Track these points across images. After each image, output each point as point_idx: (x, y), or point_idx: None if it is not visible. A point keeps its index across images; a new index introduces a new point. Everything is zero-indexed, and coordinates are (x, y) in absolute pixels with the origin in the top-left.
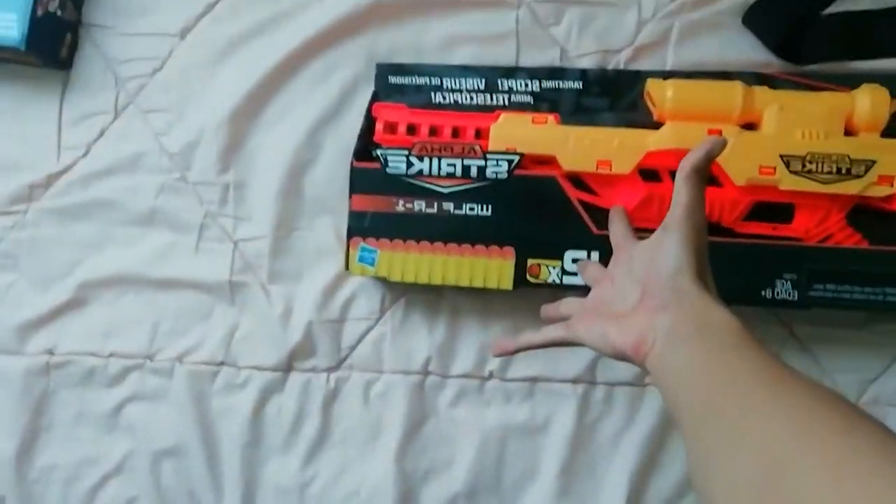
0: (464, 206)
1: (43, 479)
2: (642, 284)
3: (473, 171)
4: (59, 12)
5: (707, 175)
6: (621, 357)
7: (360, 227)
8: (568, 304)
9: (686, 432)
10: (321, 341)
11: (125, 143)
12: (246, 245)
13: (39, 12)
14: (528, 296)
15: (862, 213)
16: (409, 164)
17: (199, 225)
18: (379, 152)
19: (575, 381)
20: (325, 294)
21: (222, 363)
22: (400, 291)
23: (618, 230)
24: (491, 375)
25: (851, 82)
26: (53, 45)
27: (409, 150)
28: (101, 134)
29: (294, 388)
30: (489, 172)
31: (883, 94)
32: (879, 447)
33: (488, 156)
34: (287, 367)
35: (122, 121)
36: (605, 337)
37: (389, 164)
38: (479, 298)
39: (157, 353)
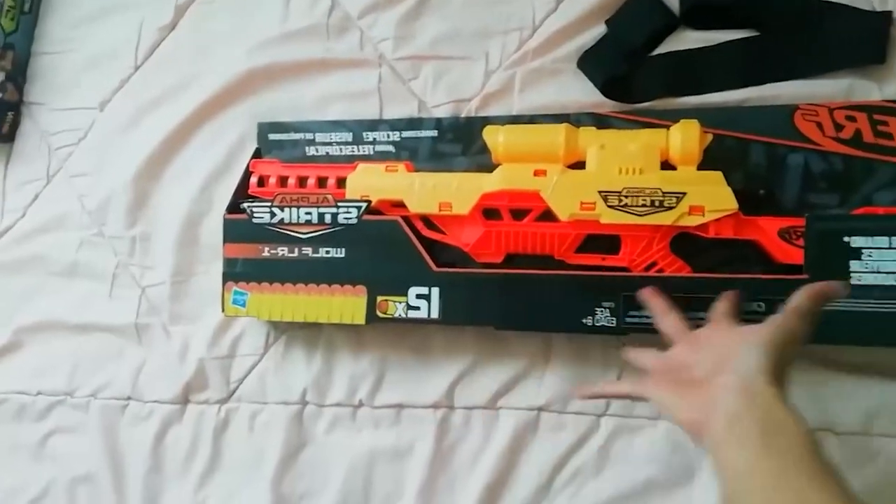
0: (320, 249)
1: None
2: (720, 362)
3: (328, 218)
4: (0, 95)
5: (821, 305)
6: (683, 428)
7: (233, 272)
8: (647, 357)
9: None
10: (213, 376)
11: (54, 204)
12: (151, 290)
13: None
14: (395, 330)
15: (685, 242)
16: (272, 214)
17: (112, 274)
18: (245, 205)
19: (435, 406)
20: (217, 333)
21: (130, 398)
22: (282, 329)
23: (721, 307)
24: (361, 403)
25: (675, 118)
26: None
27: (272, 201)
28: (36, 197)
29: (190, 420)
30: (341, 219)
31: (694, 128)
32: None
33: (339, 204)
34: (184, 399)
35: (53, 185)
36: (668, 403)
37: (255, 215)
38: (352, 333)
39: (76, 389)
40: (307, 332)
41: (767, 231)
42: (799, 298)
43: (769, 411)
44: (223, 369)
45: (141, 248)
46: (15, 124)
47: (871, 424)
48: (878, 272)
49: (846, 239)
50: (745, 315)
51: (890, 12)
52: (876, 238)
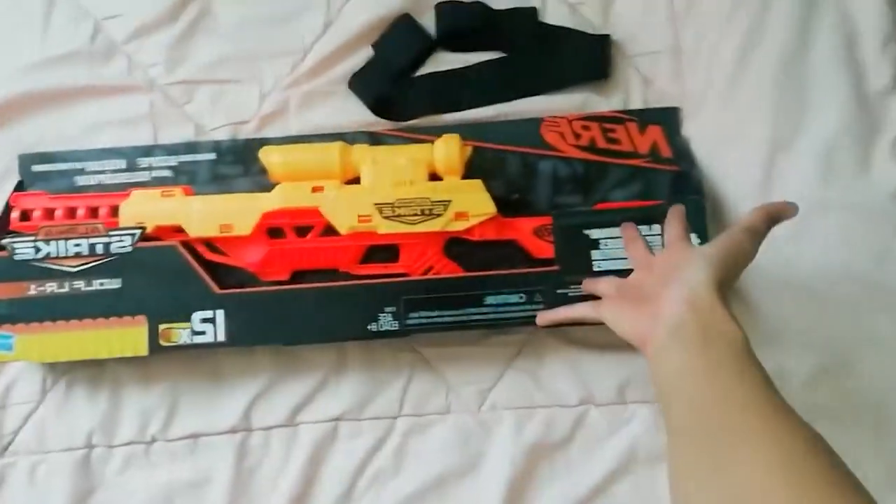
0: (93, 282)
1: None
2: (668, 279)
3: (99, 249)
4: None
5: (771, 224)
6: (631, 341)
7: None
8: (606, 284)
9: (672, 440)
10: None
11: None
12: None
13: None
14: (184, 358)
15: (456, 245)
16: (37, 250)
17: None
18: (5, 242)
19: (232, 430)
20: None
21: None
22: (62, 370)
23: (673, 229)
24: (154, 439)
25: (440, 133)
26: None
27: (35, 235)
28: None
29: None
30: (114, 248)
31: (455, 142)
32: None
33: (111, 232)
34: None
35: None
36: (619, 320)
37: (17, 252)
38: (138, 366)
39: None
40: (89, 371)
41: (524, 230)
42: (750, 217)
43: (710, 319)
44: None
45: None
46: None
47: (624, 394)
48: (614, 259)
49: (586, 232)
50: (510, 306)
51: (608, 35)
52: (610, 229)
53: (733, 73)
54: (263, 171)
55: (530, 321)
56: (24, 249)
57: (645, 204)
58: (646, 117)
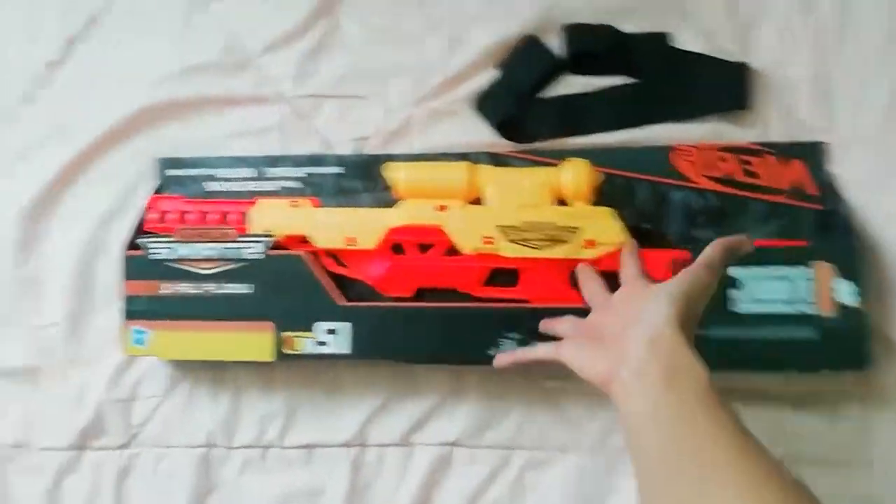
0: (224, 286)
1: None
2: (630, 319)
3: (231, 253)
4: None
5: (729, 257)
6: (594, 384)
7: (134, 310)
8: (565, 325)
9: (641, 480)
10: (112, 420)
11: None
12: (42, 332)
13: None
14: (305, 368)
15: None
16: (172, 250)
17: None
18: (143, 241)
19: (347, 444)
20: (117, 374)
21: (20, 445)
22: (187, 369)
23: (630, 267)
24: (271, 444)
25: (567, 157)
26: None
27: (171, 237)
28: None
29: (87, 468)
30: (244, 254)
31: (584, 167)
32: None
33: (242, 239)
34: (80, 446)
35: None
36: (581, 362)
37: (153, 252)
38: (260, 371)
39: None
40: (213, 372)
41: (657, 264)
42: (708, 252)
43: (674, 357)
44: (123, 412)
45: (32, 288)
46: None
47: None
48: (754, 300)
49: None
50: None
51: (746, 63)
52: (751, 268)
53: (891, 109)
54: (386, 187)
55: None
56: (158, 249)
57: (789, 244)
58: (787, 151)
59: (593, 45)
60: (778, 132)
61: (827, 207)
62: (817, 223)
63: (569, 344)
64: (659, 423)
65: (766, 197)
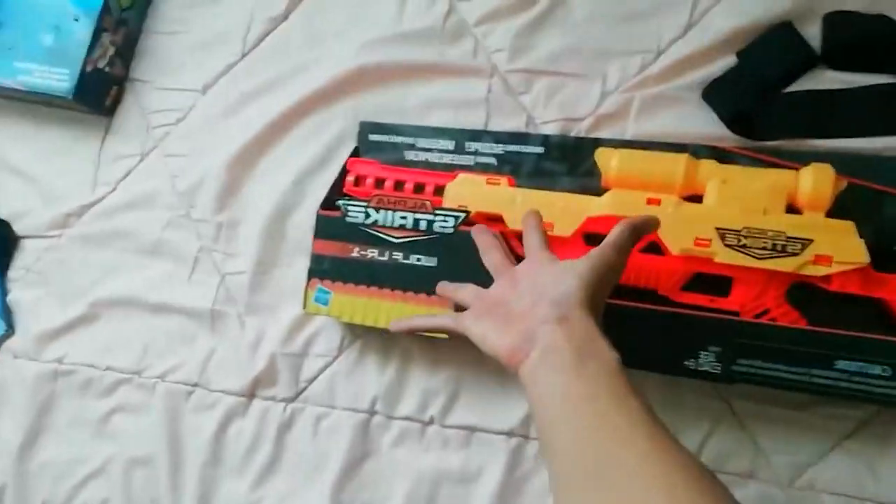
0: (411, 256)
1: (38, 473)
2: (538, 296)
3: (423, 225)
4: (107, 69)
5: (637, 238)
6: (498, 359)
7: (320, 269)
8: (465, 292)
9: (553, 463)
10: (283, 373)
11: (145, 182)
12: (231, 279)
13: (89, 68)
14: (475, 350)
15: (803, 291)
16: (367, 215)
17: (194, 258)
18: (340, 202)
19: (510, 434)
20: (292, 329)
21: (196, 384)
22: (358, 333)
23: (533, 239)
24: (432, 421)
25: (806, 160)
26: (98, 96)
27: (368, 202)
28: (128, 173)
29: (254, 415)
30: (437, 227)
31: (827, 173)
32: None
33: (437, 211)
34: (250, 393)
35: (147, 162)
36: (485, 336)
37: (349, 214)
38: (428, 346)
39: (145, 370)
40: (383, 340)
41: None
42: (616, 233)
43: (583, 340)
44: (294, 367)
45: (226, 234)
46: (117, 99)
47: None
48: None
49: None
50: (868, 378)
51: None
52: None
53: None
54: (589, 172)
55: (891, 402)
56: (356, 213)
57: None
58: None
59: (858, 37)
60: None
61: None
62: None
63: (473, 317)
64: (571, 404)
65: None
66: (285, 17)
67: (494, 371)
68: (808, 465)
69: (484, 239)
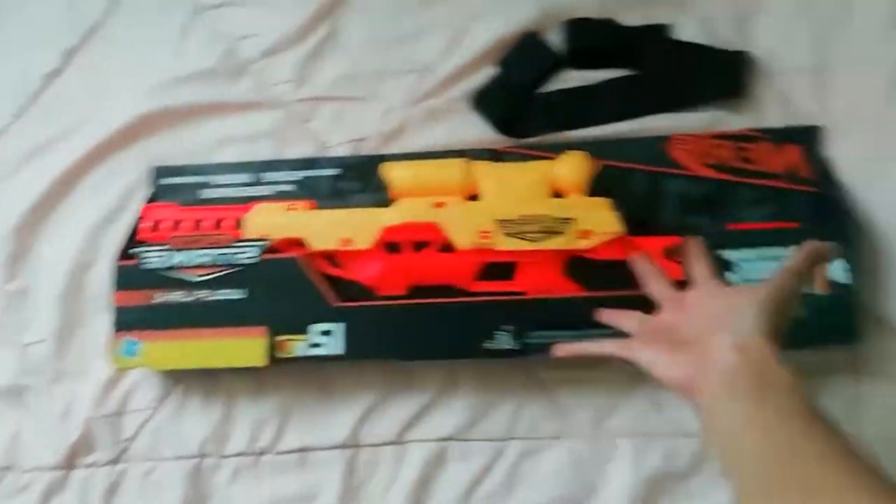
0: (218, 292)
1: None
2: (713, 323)
3: (225, 259)
4: None
5: (815, 262)
6: (669, 387)
7: (124, 321)
8: (630, 319)
9: (743, 498)
10: (100, 436)
11: None
12: (31, 349)
13: None
14: (297, 372)
15: (577, 264)
16: (166, 258)
17: None
18: (135, 250)
19: (342, 446)
20: (106, 389)
21: (7, 468)
22: (177, 379)
23: (700, 267)
24: (264, 451)
25: (565, 150)
26: None
27: (165, 245)
28: None
29: (75, 486)
30: (239, 259)
31: (581, 159)
32: None
33: (237, 244)
34: (68, 465)
35: None
36: (655, 363)
37: (146, 261)
38: (252, 378)
39: None
40: (205, 381)
41: (652, 251)
42: (795, 258)
43: (764, 367)
44: (112, 428)
45: (20, 303)
46: None
47: None
48: (749, 281)
49: (719, 252)
50: None
51: (746, 51)
52: (745, 251)
53: (889, 93)
54: (383, 187)
55: None
56: (153, 258)
57: (782, 226)
58: (782, 136)
59: (594, 40)
60: (775, 118)
61: (822, 190)
62: (811, 206)
63: (642, 345)
64: (758, 434)
65: (761, 181)
66: (59, 72)
67: (319, 389)
68: (605, 415)
69: (645, 267)
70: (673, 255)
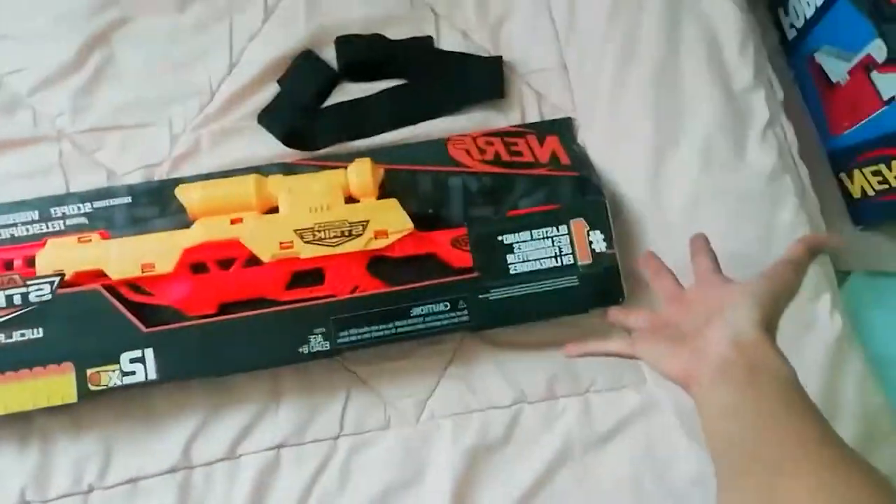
0: (14, 334)
1: None
2: (711, 316)
3: (18, 300)
4: None
5: (814, 256)
6: (673, 381)
7: None
8: (636, 317)
9: (721, 477)
10: None
11: None
12: None
13: None
14: (115, 402)
15: (379, 263)
16: None
17: None
18: None
19: (173, 470)
20: None
21: None
22: None
23: (704, 262)
24: (91, 488)
25: (352, 158)
26: None
27: None
28: None
29: None
30: (33, 297)
31: (366, 165)
32: None
33: (28, 282)
34: None
35: None
36: (658, 358)
37: None
38: (67, 415)
39: None
40: (16, 426)
41: (442, 243)
42: (792, 250)
43: (757, 356)
44: None
45: None
46: None
47: (554, 390)
48: (527, 260)
49: (500, 238)
50: (436, 315)
51: (500, 57)
52: (520, 234)
53: (615, 84)
54: (181, 209)
55: (457, 328)
56: None
57: (550, 208)
58: (543, 129)
59: (364, 54)
60: (534, 114)
61: (580, 174)
62: (574, 187)
63: (645, 340)
64: (743, 418)
65: (530, 171)
66: None
67: (141, 416)
68: (425, 400)
69: (653, 264)
70: (458, 244)
